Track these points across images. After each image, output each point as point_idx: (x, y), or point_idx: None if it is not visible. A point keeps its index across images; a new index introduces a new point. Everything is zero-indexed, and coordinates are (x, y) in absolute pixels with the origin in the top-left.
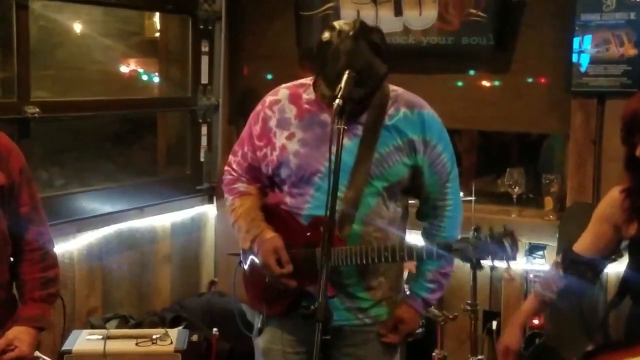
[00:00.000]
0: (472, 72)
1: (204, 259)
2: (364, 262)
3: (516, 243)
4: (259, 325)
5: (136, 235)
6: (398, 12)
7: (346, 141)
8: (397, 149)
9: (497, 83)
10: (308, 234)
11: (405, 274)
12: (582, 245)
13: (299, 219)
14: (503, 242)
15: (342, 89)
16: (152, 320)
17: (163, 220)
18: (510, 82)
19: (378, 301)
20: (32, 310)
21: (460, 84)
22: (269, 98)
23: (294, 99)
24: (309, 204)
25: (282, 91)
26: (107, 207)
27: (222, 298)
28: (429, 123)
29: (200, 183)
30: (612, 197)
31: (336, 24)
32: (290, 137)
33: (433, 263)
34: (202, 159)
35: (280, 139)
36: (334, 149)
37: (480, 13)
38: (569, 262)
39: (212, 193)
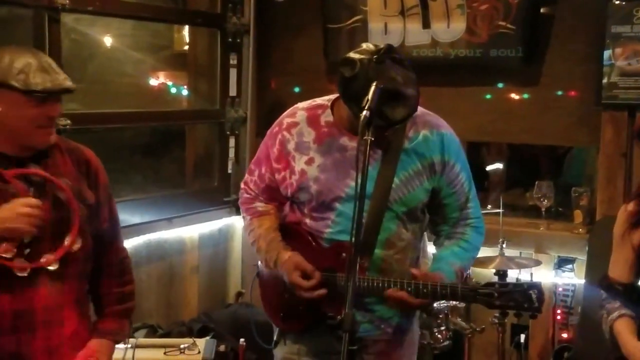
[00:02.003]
0: (500, 85)
1: (231, 270)
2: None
3: (542, 296)
4: (275, 338)
5: (165, 246)
6: (426, 24)
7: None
8: (417, 173)
9: (526, 96)
10: (329, 258)
11: None
12: (616, 271)
13: (320, 241)
14: (530, 294)
15: (369, 101)
16: (180, 330)
17: (191, 231)
18: (539, 95)
19: (397, 310)
20: (112, 325)
21: (488, 96)
22: (286, 120)
23: (313, 121)
24: (331, 228)
25: (300, 113)
26: (136, 218)
27: (249, 309)
28: (448, 144)
29: (227, 195)
30: (621, 215)
31: (353, 55)
32: (309, 162)
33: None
34: (229, 171)
35: (299, 163)
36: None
37: (509, 25)
38: (611, 291)
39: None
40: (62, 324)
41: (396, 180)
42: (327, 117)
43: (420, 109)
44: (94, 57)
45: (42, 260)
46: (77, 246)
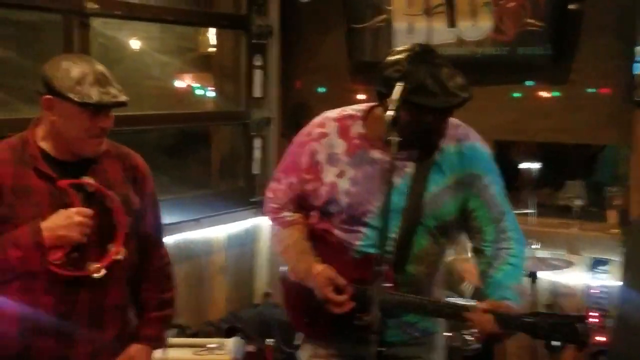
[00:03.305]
0: (529, 83)
1: (258, 270)
2: (424, 314)
3: (589, 330)
4: (298, 341)
5: (192, 247)
6: (451, 23)
7: (397, 180)
8: (448, 187)
9: (555, 94)
10: (360, 269)
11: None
12: None
13: (350, 252)
14: (577, 327)
15: (394, 101)
16: (208, 330)
17: (218, 232)
18: (569, 93)
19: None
20: (151, 330)
21: (517, 95)
22: (315, 130)
23: (343, 132)
24: (362, 241)
25: (330, 124)
26: (164, 219)
27: (277, 309)
28: (477, 157)
29: (253, 195)
30: None
31: (399, 55)
32: (340, 174)
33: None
34: (255, 172)
35: (329, 175)
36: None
37: (537, 22)
38: None
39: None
40: (104, 329)
41: (427, 194)
42: (358, 128)
43: (451, 120)
44: (121, 61)
45: (89, 269)
46: (121, 255)
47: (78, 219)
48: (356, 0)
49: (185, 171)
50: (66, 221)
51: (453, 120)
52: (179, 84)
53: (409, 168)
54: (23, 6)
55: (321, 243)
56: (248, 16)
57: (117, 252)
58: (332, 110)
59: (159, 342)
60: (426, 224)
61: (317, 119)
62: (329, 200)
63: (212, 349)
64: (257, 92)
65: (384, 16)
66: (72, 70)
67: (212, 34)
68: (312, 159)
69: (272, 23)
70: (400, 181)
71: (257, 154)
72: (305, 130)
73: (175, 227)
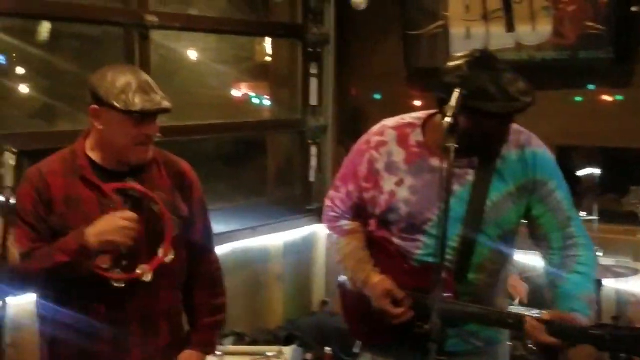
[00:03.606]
0: (591, 87)
1: (316, 278)
2: (484, 324)
3: None
4: (357, 349)
5: (249, 255)
6: (510, 27)
7: (457, 187)
8: (510, 194)
9: (618, 97)
10: (419, 278)
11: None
12: None
13: (409, 261)
14: None
15: (452, 107)
16: (266, 338)
17: (275, 239)
18: (632, 96)
19: (483, 324)
20: (203, 336)
21: (578, 99)
22: (374, 138)
23: (402, 140)
24: (421, 250)
25: (389, 132)
26: (221, 227)
27: (334, 318)
28: (540, 162)
29: (310, 203)
30: None
31: (459, 61)
32: (399, 183)
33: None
34: (311, 179)
35: (388, 183)
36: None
37: (598, 26)
38: None
39: (322, 213)
40: (157, 335)
41: (489, 202)
42: (417, 136)
43: (513, 126)
44: (180, 71)
45: (138, 271)
46: (170, 257)
47: (122, 223)
48: (413, 7)
49: (242, 179)
50: (110, 226)
51: (515, 126)
52: (236, 93)
53: (470, 176)
54: (86, 20)
55: (380, 251)
56: (304, 25)
57: (166, 254)
58: (390, 119)
59: (211, 348)
60: (488, 232)
61: (375, 128)
62: (388, 209)
63: (271, 357)
64: (313, 100)
65: (441, 22)
66: (117, 80)
67: (268, 43)
68: (371, 167)
69: (327, 31)
70: (461, 189)
71: (313, 161)
72: (364, 138)
73: (232, 235)
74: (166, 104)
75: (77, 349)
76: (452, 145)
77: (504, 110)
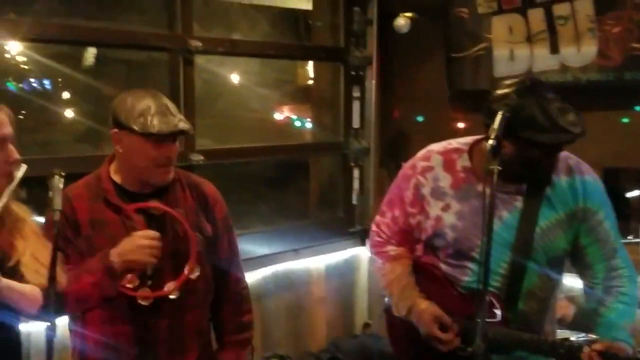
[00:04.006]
0: (637, 108)
1: (358, 300)
2: (535, 352)
3: None
4: None
5: (292, 277)
6: (554, 49)
7: (505, 214)
8: (559, 221)
9: None
10: (468, 306)
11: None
12: None
13: (457, 287)
14: None
15: (495, 130)
16: None
17: (317, 262)
18: None
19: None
20: (231, 354)
21: (625, 120)
22: (420, 163)
23: (448, 166)
24: (469, 277)
25: (435, 157)
26: (263, 249)
27: (377, 340)
28: (590, 190)
29: (352, 226)
30: None
31: (507, 89)
32: (445, 208)
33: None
34: (354, 202)
35: (434, 209)
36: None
37: None
38: None
39: (364, 236)
40: (184, 354)
41: (537, 229)
42: (464, 162)
43: (562, 153)
44: (223, 95)
45: (165, 289)
46: (196, 274)
47: (143, 242)
48: (456, 29)
49: (285, 202)
50: (132, 245)
51: (563, 152)
52: (278, 116)
53: (518, 202)
54: (133, 46)
55: (427, 277)
56: (346, 48)
57: (192, 270)
58: (436, 144)
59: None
60: (537, 259)
61: (421, 153)
62: (435, 234)
63: None
64: (355, 122)
65: (484, 44)
66: (136, 104)
67: (310, 66)
68: (417, 192)
69: (369, 54)
70: (509, 215)
71: (355, 184)
72: (410, 163)
73: (275, 258)
74: (183, 125)
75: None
76: (496, 168)
77: (553, 141)
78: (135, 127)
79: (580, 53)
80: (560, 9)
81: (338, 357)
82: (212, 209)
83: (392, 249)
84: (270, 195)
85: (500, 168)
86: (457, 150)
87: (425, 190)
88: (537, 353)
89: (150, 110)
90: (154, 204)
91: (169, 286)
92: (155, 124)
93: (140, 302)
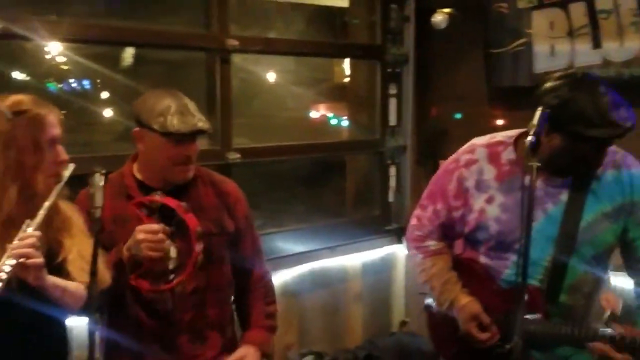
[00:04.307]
0: None
1: (395, 298)
2: (577, 343)
3: None
4: None
5: (328, 274)
6: (596, 44)
7: (550, 207)
8: (605, 215)
9: None
10: (508, 300)
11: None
12: None
13: (497, 281)
14: None
15: (534, 125)
16: (346, 357)
17: (353, 259)
18: None
19: (579, 348)
20: (259, 335)
21: None
22: (464, 157)
23: (493, 158)
24: (510, 269)
25: (479, 150)
26: (300, 247)
27: (414, 338)
28: (637, 184)
29: (389, 223)
30: None
31: (557, 81)
32: (489, 200)
33: None
34: (390, 200)
35: (478, 201)
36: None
37: None
38: None
39: (400, 233)
40: (206, 348)
41: (583, 222)
42: (508, 154)
43: (609, 148)
44: (259, 94)
45: (173, 280)
46: (200, 257)
47: (141, 236)
48: (495, 25)
49: (321, 200)
50: (134, 239)
51: (612, 147)
52: (315, 114)
53: (564, 195)
54: (170, 46)
55: (466, 273)
56: (383, 45)
57: (196, 256)
58: (480, 137)
59: (265, 347)
60: (581, 252)
61: (464, 147)
62: (477, 227)
63: None
64: (391, 120)
65: (524, 39)
66: (157, 104)
67: (346, 63)
68: (461, 185)
69: (407, 51)
70: (554, 208)
71: (392, 182)
72: (452, 157)
73: (311, 255)
74: (202, 125)
75: (128, 353)
76: (535, 164)
77: (603, 135)
78: (155, 126)
79: (623, 47)
80: (602, 3)
81: (374, 354)
82: (234, 206)
83: (432, 244)
84: (307, 193)
85: (539, 164)
86: (501, 143)
87: (469, 183)
88: (579, 344)
89: (171, 109)
90: (154, 197)
91: (178, 277)
92: (175, 123)
93: (147, 294)
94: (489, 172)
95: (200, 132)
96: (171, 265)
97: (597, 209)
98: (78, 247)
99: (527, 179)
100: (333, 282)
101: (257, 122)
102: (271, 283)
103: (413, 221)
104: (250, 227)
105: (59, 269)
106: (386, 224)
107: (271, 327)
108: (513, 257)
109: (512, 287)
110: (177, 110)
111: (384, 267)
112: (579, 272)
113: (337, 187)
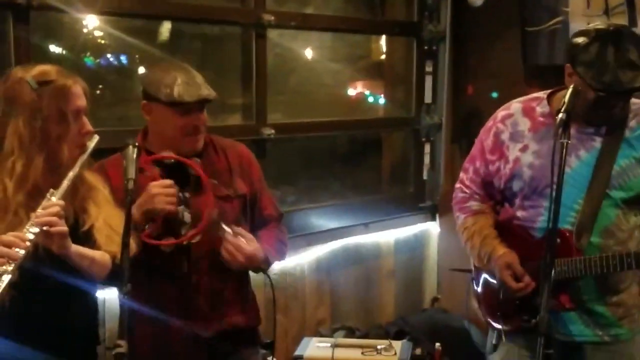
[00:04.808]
0: None
1: (427, 275)
2: (605, 271)
3: None
4: (493, 341)
5: (361, 251)
6: (632, 22)
7: (583, 153)
8: (638, 161)
9: None
10: (542, 248)
11: None
12: None
13: (533, 232)
14: None
15: (565, 103)
16: (377, 332)
17: (387, 236)
18: None
19: (619, 319)
20: (269, 242)
21: None
22: (500, 113)
23: (528, 112)
24: (543, 216)
25: (515, 105)
26: (334, 223)
27: (445, 314)
28: None
29: (423, 201)
30: None
31: (592, 27)
32: (524, 149)
33: None
34: (425, 177)
35: (513, 152)
36: (556, 164)
37: None
38: None
39: (434, 211)
40: (226, 312)
41: (616, 167)
42: (543, 107)
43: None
44: (295, 70)
45: (186, 234)
46: (215, 211)
47: (156, 190)
48: (532, 3)
49: (357, 177)
50: (147, 195)
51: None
52: (351, 91)
53: (597, 143)
54: (206, 20)
55: (504, 234)
56: (419, 23)
57: (210, 213)
58: (518, 98)
59: (271, 256)
60: (613, 196)
61: (503, 106)
62: (513, 176)
63: (380, 349)
64: (427, 98)
65: (560, 18)
66: (163, 76)
67: (383, 41)
68: (497, 139)
69: (443, 29)
70: (587, 154)
71: (427, 159)
72: (492, 116)
73: (345, 231)
74: (207, 93)
75: (150, 322)
76: (566, 142)
77: (598, 87)
78: (162, 97)
79: None
80: None
81: (405, 330)
82: (247, 168)
83: (475, 204)
84: (343, 170)
85: (569, 141)
86: (536, 98)
87: (505, 136)
88: (598, 273)
89: (177, 81)
90: (166, 154)
91: (191, 233)
92: (181, 93)
93: (164, 250)
94: (524, 124)
95: (206, 100)
96: (184, 231)
97: (630, 155)
98: (104, 216)
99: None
100: (366, 258)
101: (293, 99)
102: (287, 241)
103: (457, 185)
104: (265, 187)
105: (87, 238)
106: (420, 201)
107: (278, 251)
108: (546, 204)
109: (544, 234)
110: (183, 82)
111: (417, 244)
112: (612, 215)
113: (374, 165)
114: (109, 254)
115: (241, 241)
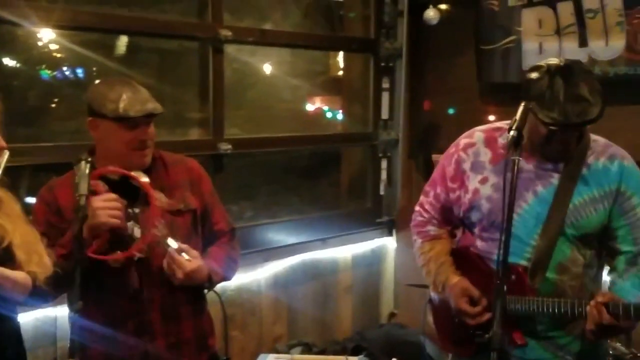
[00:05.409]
0: None
1: (384, 290)
2: (556, 314)
3: None
4: None
5: (319, 266)
6: (583, 43)
7: (540, 189)
8: (593, 200)
9: None
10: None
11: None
12: None
13: (489, 263)
14: None
15: (517, 121)
16: (334, 349)
17: (344, 251)
18: None
19: (577, 337)
20: (216, 261)
21: None
22: (463, 140)
23: (490, 142)
24: (500, 249)
25: (478, 134)
26: (292, 239)
27: (402, 329)
28: (627, 175)
29: (380, 216)
30: None
31: (544, 62)
32: (483, 181)
33: None
34: (382, 193)
35: (473, 182)
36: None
37: None
38: None
39: (392, 226)
40: (180, 324)
41: (571, 205)
42: (504, 139)
43: (602, 139)
44: (254, 85)
45: (133, 250)
46: (161, 225)
47: (99, 204)
48: (486, 22)
49: (315, 192)
50: (91, 210)
51: (603, 140)
52: (310, 107)
53: (554, 179)
54: (164, 35)
55: (462, 260)
56: (377, 40)
57: (154, 225)
58: (482, 126)
59: (215, 275)
60: (567, 233)
61: (466, 133)
62: (471, 207)
63: None
64: (384, 113)
65: (513, 37)
66: (108, 91)
67: (341, 57)
68: (458, 167)
69: (400, 46)
70: (544, 190)
71: (383, 175)
72: (454, 143)
73: (302, 247)
74: (153, 107)
75: (102, 337)
76: (517, 159)
77: (546, 120)
78: (107, 113)
79: (608, 47)
80: (589, 3)
81: (363, 345)
82: (197, 182)
83: (432, 229)
84: (301, 185)
85: (520, 159)
86: (499, 129)
87: (466, 165)
88: (546, 316)
89: (122, 96)
90: (111, 168)
91: (137, 247)
92: (127, 108)
93: (113, 265)
94: (485, 155)
95: (152, 115)
96: (133, 231)
97: (585, 194)
98: (20, 232)
99: (521, 162)
100: (323, 274)
101: (252, 114)
102: (239, 257)
103: (417, 207)
104: (217, 202)
105: (6, 255)
106: (377, 216)
107: (226, 269)
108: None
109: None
110: (128, 97)
111: (374, 260)
112: (567, 252)
113: (332, 180)
114: (29, 274)
115: (182, 258)
